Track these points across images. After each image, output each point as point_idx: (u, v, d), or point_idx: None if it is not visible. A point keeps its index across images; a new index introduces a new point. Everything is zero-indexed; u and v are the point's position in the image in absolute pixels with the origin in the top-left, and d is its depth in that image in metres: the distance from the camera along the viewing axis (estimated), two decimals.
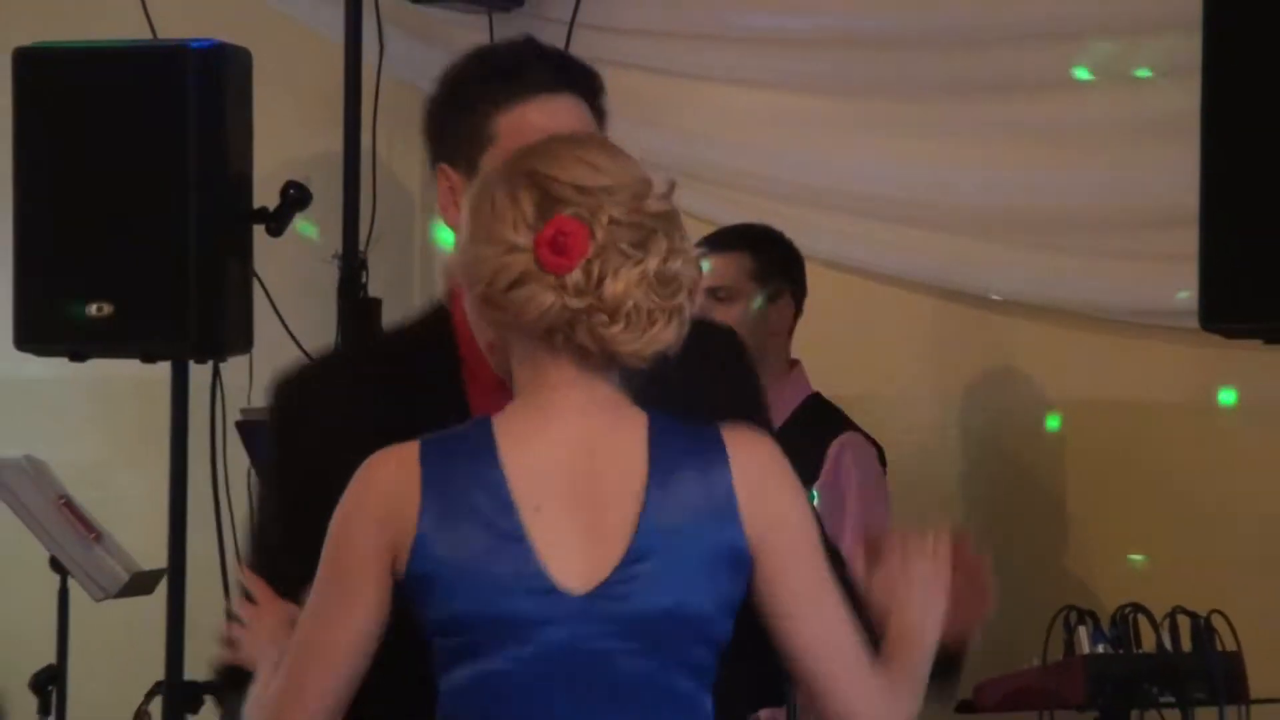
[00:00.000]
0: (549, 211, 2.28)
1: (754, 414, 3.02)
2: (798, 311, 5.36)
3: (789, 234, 5.32)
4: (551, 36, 5.76)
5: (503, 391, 2.63)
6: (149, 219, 5.56)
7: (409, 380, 2.91)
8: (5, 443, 6.09)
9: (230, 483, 5.89)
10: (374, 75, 5.97)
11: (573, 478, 2.37)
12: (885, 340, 6.05)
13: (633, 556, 2.38)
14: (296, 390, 3.00)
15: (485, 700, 2.41)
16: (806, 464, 4.31)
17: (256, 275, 5.61)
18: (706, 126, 6.07)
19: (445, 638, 2.36)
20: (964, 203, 5.89)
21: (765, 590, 2.39)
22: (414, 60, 6.06)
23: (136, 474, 6.42)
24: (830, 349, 5.80)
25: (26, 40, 5.64)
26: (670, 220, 2.35)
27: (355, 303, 5.83)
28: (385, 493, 2.33)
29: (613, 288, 2.28)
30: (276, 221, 5.51)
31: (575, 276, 2.30)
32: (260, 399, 5.05)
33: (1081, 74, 5.57)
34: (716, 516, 2.42)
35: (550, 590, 2.34)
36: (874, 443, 5.30)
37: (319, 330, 5.76)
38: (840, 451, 5.21)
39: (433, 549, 2.31)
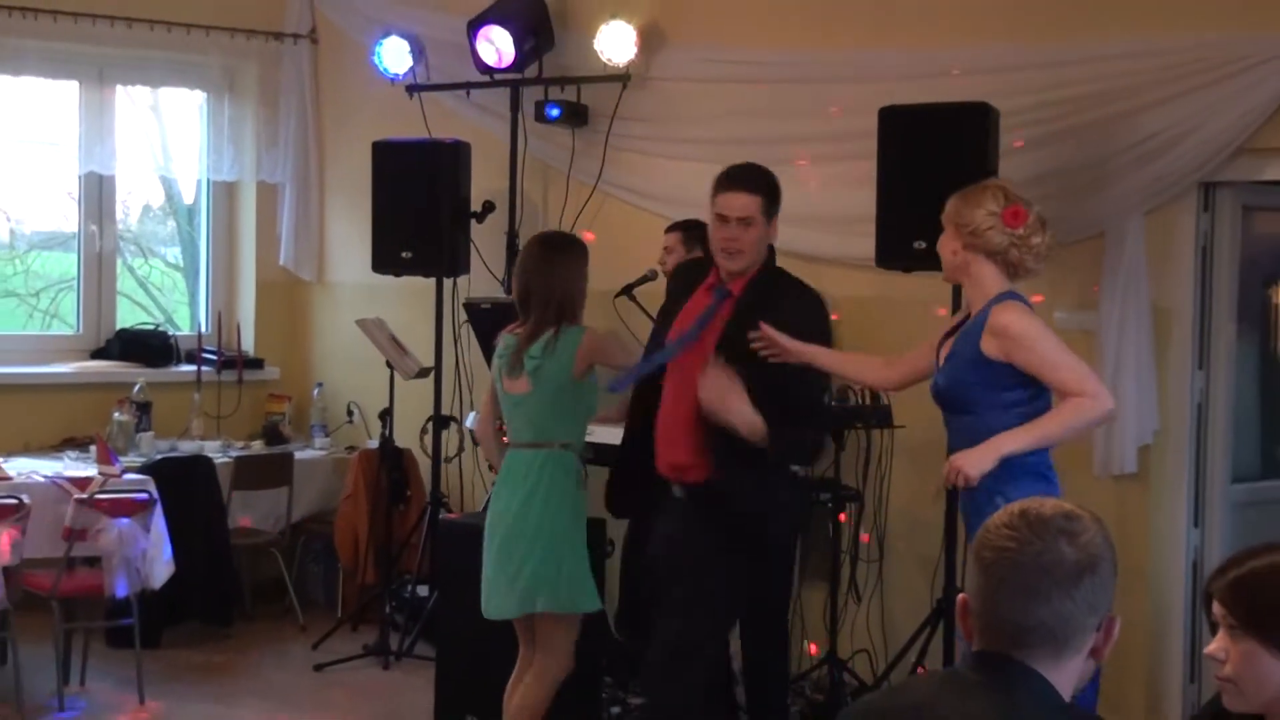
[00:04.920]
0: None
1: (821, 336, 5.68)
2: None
3: None
4: (597, 135, 8.79)
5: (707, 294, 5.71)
6: (430, 215, 8.75)
7: (694, 275, 5.96)
8: (368, 312, 9.01)
9: (458, 332, 8.98)
10: (521, 153, 9.00)
11: None
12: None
13: None
14: (679, 271, 6.27)
15: None
16: None
17: (472, 240, 8.88)
18: (685, 176, 8.31)
19: None
20: (815, 212, 7.84)
21: None
22: (542, 147, 9.08)
23: (424, 327, 9.02)
24: None
25: (374, 136, 9.02)
26: None
27: (512, 255, 8.70)
28: None
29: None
30: (479, 217, 8.85)
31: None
32: (474, 295, 8.25)
33: None
34: None
35: None
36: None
37: (493, 262, 8.97)
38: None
39: None
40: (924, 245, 6.60)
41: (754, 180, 5.80)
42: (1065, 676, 2.64)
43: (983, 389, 5.22)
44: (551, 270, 6.20)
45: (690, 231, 7.64)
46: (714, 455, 5.62)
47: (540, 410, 6.19)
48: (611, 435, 6.88)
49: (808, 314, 5.81)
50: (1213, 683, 2.94)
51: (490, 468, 6.53)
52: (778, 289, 5.83)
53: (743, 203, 5.72)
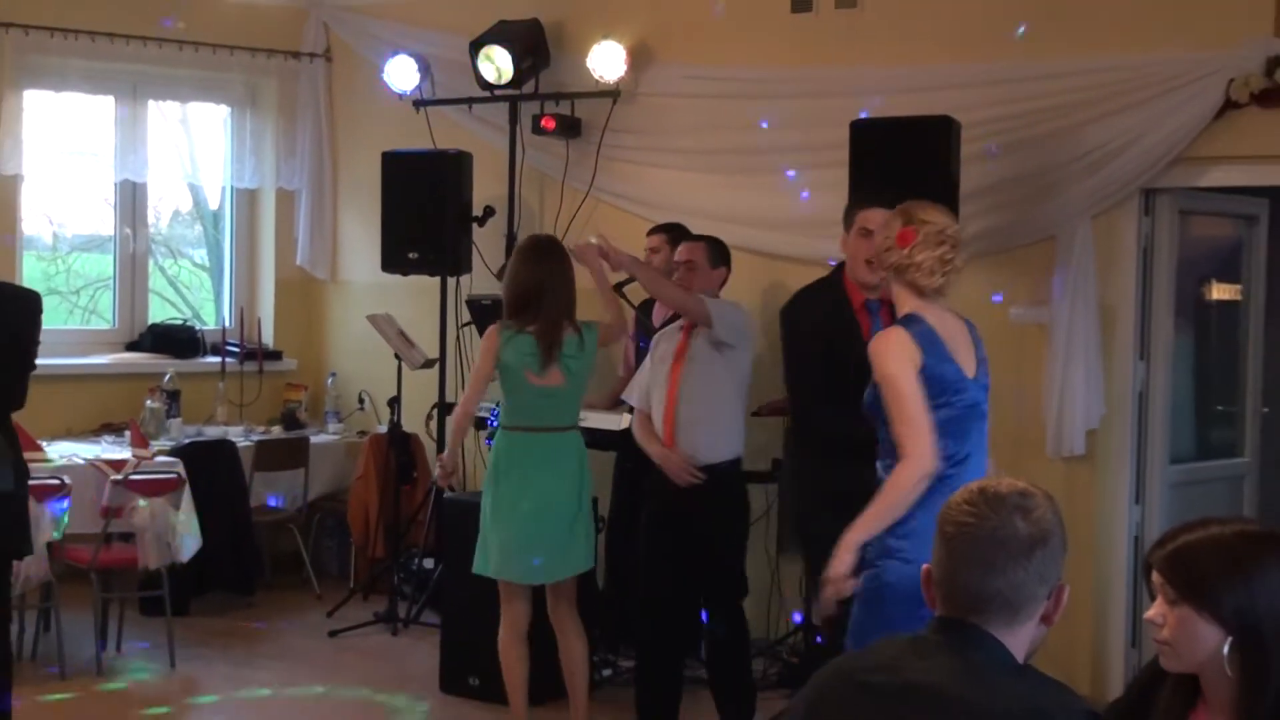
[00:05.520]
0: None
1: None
2: (728, 272, 6.98)
3: (697, 229, 7.38)
4: (590, 145, 8.78)
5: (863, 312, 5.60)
6: (435, 220, 8.76)
7: (829, 296, 5.81)
8: (377, 308, 9.08)
9: (460, 326, 8.89)
10: (519, 162, 9.00)
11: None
12: (753, 282, 7.66)
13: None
14: (794, 302, 6.02)
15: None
16: None
17: (473, 242, 8.90)
18: (670, 184, 8.62)
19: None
20: (790, 217, 8.06)
21: None
22: (539, 157, 9.06)
23: (429, 322, 9.00)
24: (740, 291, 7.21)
25: (383, 147, 9.10)
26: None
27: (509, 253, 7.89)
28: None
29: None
30: (480, 221, 8.88)
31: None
32: (476, 292, 8.22)
33: None
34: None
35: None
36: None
37: (494, 263, 8.71)
38: None
39: None
40: None
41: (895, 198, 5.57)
42: (1019, 640, 2.65)
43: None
44: (562, 271, 6.33)
45: (673, 234, 7.64)
46: None
47: (572, 400, 6.42)
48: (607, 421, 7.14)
49: None
50: (1152, 646, 2.95)
51: (447, 449, 6.75)
52: None
53: (884, 217, 5.27)
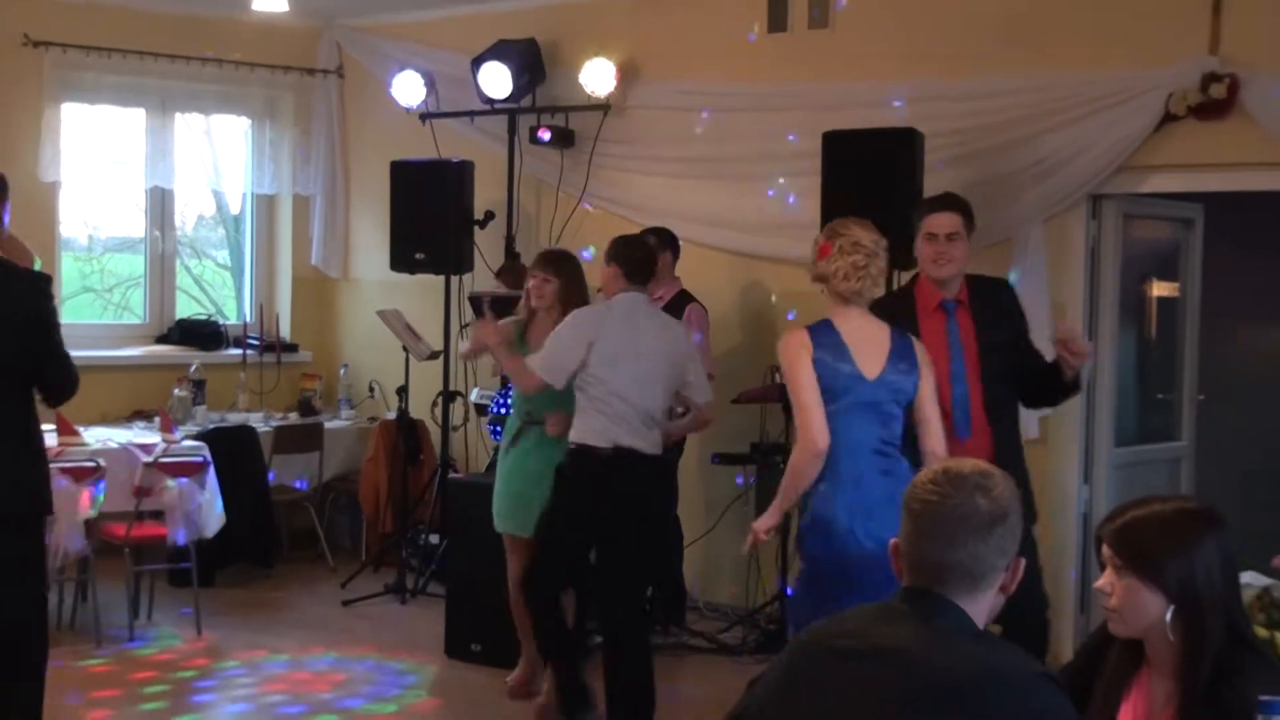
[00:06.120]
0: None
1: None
2: (676, 259, 7.67)
3: (680, 230, 7.86)
4: (582, 155, 8.75)
5: (938, 313, 5.36)
6: (439, 223, 8.70)
7: (892, 305, 5.35)
8: (386, 304, 8.95)
9: (463, 326, 8.80)
10: (518, 170, 9.03)
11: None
12: (731, 279, 8.19)
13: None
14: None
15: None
16: (678, 315, 6.99)
17: (475, 244, 8.84)
18: (656, 190, 8.62)
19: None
20: (766, 220, 8.06)
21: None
22: (535, 165, 9.07)
23: (434, 317, 8.88)
24: (699, 281, 7.84)
25: (392, 156, 9.03)
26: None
27: (509, 257, 8.85)
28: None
29: None
30: (481, 225, 8.83)
31: None
32: (477, 289, 8.04)
33: None
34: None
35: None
36: (704, 307, 7.61)
37: (494, 263, 8.82)
38: (691, 309, 7.54)
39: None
40: None
41: (956, 203, 5.68)
42: (979, 608, 2.65)
43: None
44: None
45: (660, 236, 7.66)
46: None
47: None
48: None
49: (1012, 295, 5.81)
50: (1100, 613, 2.97)
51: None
52: (985, 286, 5.71)
53: (949, 220, 5.57)
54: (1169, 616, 2.84)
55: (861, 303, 4.98)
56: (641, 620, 6.26)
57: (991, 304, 5.51)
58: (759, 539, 4.98)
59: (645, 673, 6.07)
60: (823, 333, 4.92)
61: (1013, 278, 6.67)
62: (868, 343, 4.93)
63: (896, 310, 5.27)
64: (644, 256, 6.23)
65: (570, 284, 6.45)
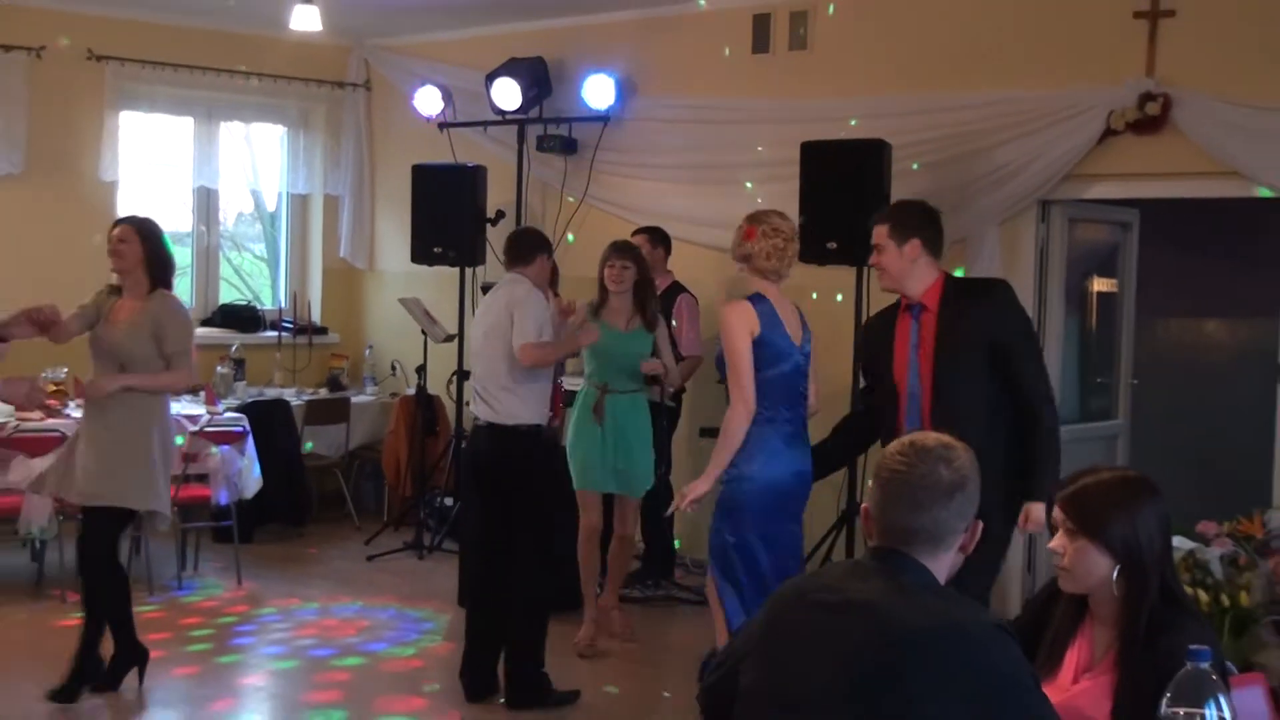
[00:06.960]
0: None
1: None
2: (668, 255, 7.68)
3: (673, 231, 7.84)
4: (584, 161, 8.66)
5: (905, 314, 4.84)
6: (455, 221, 8.54)
7: (887, 313, 4.98)
8: (407, 292, 9.07)
9: (474, 304, 7.91)
10: (526, 175, 8.99)
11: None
12: (718, 274, 7.94)
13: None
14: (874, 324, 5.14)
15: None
16: (668, 306, 7.32)
17: (488, 240, 8.51)
18: (651, 193, 8.55)
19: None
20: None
21: None
22: (542, 170, 9.00)
23: (450, 304, 8.84)
24: (689, 274, 7.80)
25: (413, 161, 8.86)
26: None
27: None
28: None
29: None
30: (493, 223, 8.63)
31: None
32: (489, 279, 7.93)
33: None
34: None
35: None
36: (695, 297, 7.58)
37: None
38: (682, 298, 7.58)
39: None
40: (834, 245, 6.66)
41: (883, 216, 5.05)
42: (940, 565, 2.64)
43: None
44: None
45: (654, 234, 7.66)
46: None
47: None
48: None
49: (1003, 297, 4.99)
50: (1044, 571, 2.96)
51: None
52: (970, 288, 5.10)
53: (875, 232, 4.97)
54: (1115, 575, 2.84)
55: (778, 280, 5.12)
56: (526, 585, 5.85)
57: (968, 309, 4.83)
58: (686, 505, 4.99)
59: (522, 636, 5.80)
60: (761, 304, 5.03)
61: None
62: (789, 314, 5.11)
63: (888, 313, 5.04)
64: (512, 239, 6.13)
65: (641, 270, 6.61)
